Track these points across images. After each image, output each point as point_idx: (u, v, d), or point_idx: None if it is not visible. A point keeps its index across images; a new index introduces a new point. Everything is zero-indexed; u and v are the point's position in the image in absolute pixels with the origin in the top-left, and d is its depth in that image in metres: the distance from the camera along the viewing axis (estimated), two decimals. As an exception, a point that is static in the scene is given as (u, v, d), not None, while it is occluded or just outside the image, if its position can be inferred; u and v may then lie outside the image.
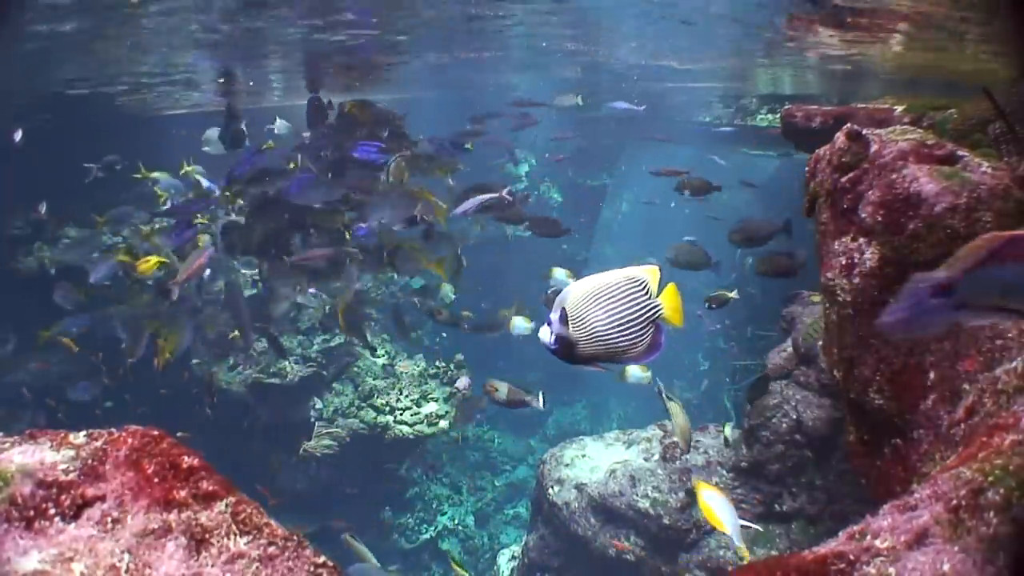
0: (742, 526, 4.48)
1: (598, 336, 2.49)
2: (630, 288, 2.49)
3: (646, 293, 2.50)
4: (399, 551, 11.86)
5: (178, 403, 9.17)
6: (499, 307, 8.79)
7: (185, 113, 13.99)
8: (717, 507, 4.37)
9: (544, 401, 6.80)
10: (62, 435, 1.69)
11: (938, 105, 5.01)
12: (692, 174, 8.15)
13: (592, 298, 2.48)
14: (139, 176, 8.49)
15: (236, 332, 8.08)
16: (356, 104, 7.73)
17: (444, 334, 14.29)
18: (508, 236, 15.12)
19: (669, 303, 2.51)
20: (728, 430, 6.91)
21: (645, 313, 2.50)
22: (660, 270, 2.53)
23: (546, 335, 2.53)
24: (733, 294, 7.14)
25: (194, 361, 9.27)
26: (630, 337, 2.49)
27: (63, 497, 1.54)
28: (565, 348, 2.53)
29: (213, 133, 8.57)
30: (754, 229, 6.71)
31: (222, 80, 11.49)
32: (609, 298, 2.48)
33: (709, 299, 7.20)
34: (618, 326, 2.48)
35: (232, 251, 7.56)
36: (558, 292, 7.37)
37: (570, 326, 2.49)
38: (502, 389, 6.95)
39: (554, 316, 2.51)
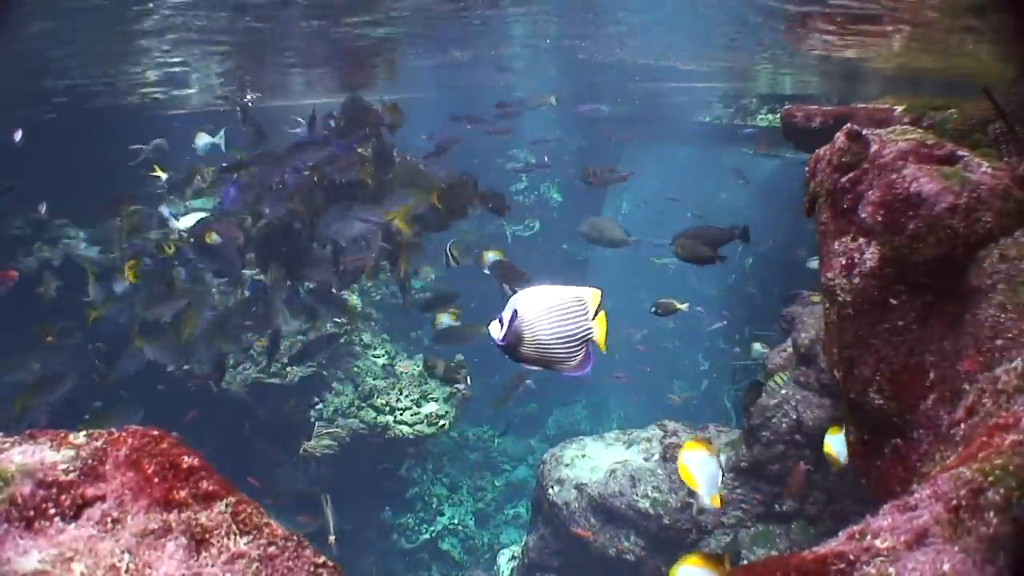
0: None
1: (540, 344, 2.66)
2: (575, 307, 2.67)
3: (586, 314, 2.67)
4: (399, 551, 11.86)
5: (177, 403, 9.16)
6: (489, 306, 8.85)
7: (188, 113, 13.99)
8: (695, 467, 4.15)
9: (467, 378, 8.89)
10: (62, 435, 1.68)
11: (938, 105, 5.00)
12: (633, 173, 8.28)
13: (544, 309, 2.65)
14: (154, 174, 8.53)
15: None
16: (388, 106, 7.81)
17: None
18: (508, 236, 15.11)
19: (601, 328, 2.70)
20: (723, 458, 6.80)
21: (581, 333, 2.68)
22: (601, 294, 2.70)
23: (496, 330, 2.67)
24: (683, 305, 6.86)
25: (185, 367, 9.26)
26: (567, 352, 2.68)
27: (63, 497, 1.54)
28: (511, 346, 2.69)
29: (202, 137, 8.67)
30: (703, 237, 5.93)
31: (232, 79, 11.51)
32: (556, 312, 2.65)
33: (656, 305, 6.97)
34: (559, 339, 2.66)
35: (261, 265, 7.69)
36: (496, 264, 7.55)
37: (520, 329, 2.65)
38: (439, 366, 8.59)
39: (506, 315, 2.66)
